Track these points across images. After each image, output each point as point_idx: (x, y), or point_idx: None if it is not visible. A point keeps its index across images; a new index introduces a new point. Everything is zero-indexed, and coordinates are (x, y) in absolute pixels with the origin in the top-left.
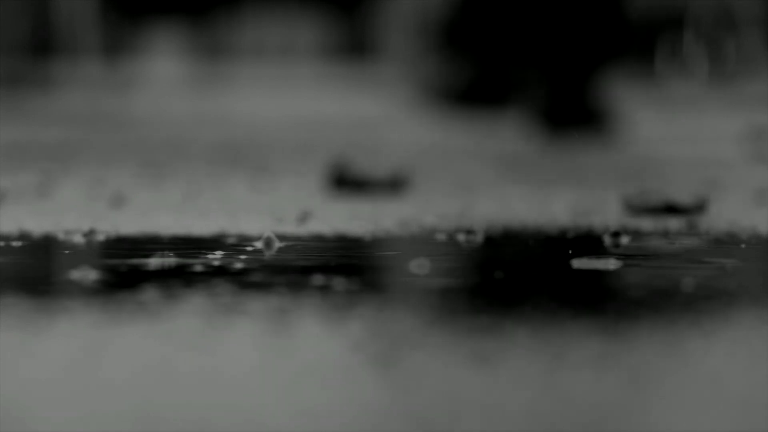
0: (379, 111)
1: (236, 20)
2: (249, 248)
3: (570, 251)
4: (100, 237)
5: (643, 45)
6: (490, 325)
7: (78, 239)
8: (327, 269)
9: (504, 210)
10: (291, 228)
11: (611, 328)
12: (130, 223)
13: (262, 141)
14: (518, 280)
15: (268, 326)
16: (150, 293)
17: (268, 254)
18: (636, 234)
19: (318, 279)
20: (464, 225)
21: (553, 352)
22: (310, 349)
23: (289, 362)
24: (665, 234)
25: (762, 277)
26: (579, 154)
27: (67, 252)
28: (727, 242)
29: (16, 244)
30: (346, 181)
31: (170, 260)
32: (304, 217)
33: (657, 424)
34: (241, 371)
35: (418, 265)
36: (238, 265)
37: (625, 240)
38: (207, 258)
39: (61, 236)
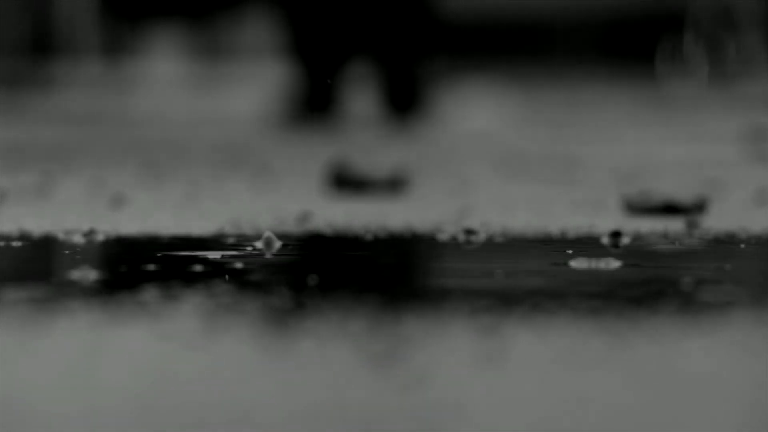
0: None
1: (236, 20)
2: (249, 248)
3: (570, 251)
4: (100, 237)
5: (644, 45)
6: (490, 325)
7: (78, 239)
8: (327, 269)
9: (505, 210)
10: (291, 228)
11: (611, 328)
12: (130, 223)
13: (262, 141)
14: (518, 280)
15: (268, 326)
16: (150, 293)
17: (268, 254)
18: (636, 234)
19: (318, 279)
20: (465, 225)
21: (553, 352)
22: (309, 349)
23: (288, 362)
24: (665, 234)
25: (762, 277)
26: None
27: (67, 252)
28: (727, 242)
29: (16, 244)
30: (346, 181)
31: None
32: (304, 217)
33: (657, 424)
34: (240, 371)
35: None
36: (238, 265)
37: (625, 240)
38: (207, 258)
39: (61, 236)
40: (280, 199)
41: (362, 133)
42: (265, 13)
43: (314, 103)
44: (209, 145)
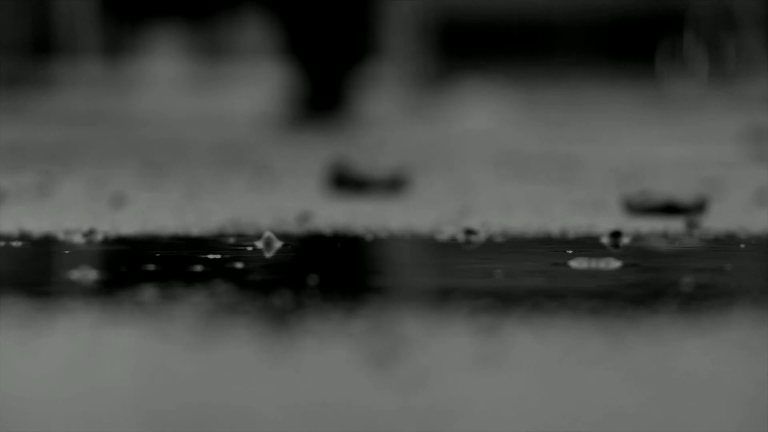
0: (379, 110)
1: (236, 20)
2: (249, 248)
3: (570, 251)
4: (100, 237)
5: (644, 45)
6: (490, 325)
7: (78, 239)
8: (327, 269)
9: (505, 210)
10: (291, 228)
11: (611, 328)
12: (130, 223)
13: (262, 141)
14: (518, 280)
15: (268, 326)
16: (149, 293)
17: (268, 254)
18: (636, 234)
19: (318, 279)
20: (465, 225)
21: (553, 352)
22: (309, 349)
23: (288, 362)
24: (665, 234)
25: (762, 278)
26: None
27: (67, 252)
28: (727, 242)
29: (16, 244)
30: (346, 181)
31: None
32: (304, 217)
33: (657, 424)
34: (240, 371)
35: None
36: (238, 265)
37: (625, 240)
38: (207, 258)
39: (61, 236)
40: (280, 199)
41: (362, 132)
42: (263, 13)
43: (314, 103)
44: (209, 145)
